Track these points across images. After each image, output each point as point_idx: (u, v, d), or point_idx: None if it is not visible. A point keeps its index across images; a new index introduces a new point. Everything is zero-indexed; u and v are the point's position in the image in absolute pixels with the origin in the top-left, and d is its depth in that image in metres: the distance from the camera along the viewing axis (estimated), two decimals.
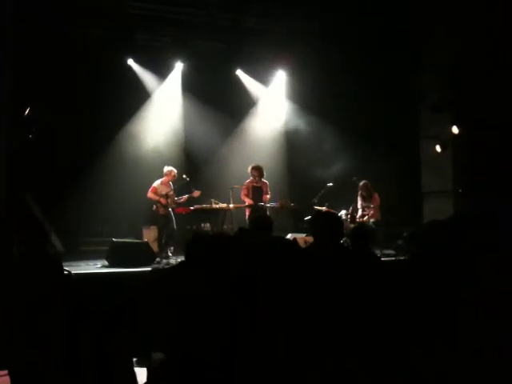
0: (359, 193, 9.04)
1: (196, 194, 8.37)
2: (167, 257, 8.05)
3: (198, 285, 2.98)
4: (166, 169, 8.42)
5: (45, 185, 8.68)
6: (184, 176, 8.53)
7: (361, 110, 10.34)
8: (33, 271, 3.42)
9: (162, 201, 8.21)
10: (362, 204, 8.98)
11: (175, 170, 8.45)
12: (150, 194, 8.28)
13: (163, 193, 8.25)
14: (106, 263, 7.37)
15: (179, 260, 7.68)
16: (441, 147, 9.57)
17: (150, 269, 6.96)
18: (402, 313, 2.56)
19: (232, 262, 3.00)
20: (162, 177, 8.45)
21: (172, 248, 8.33)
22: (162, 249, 8.21)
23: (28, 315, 3.23)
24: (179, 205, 8.52)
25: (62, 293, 3.37)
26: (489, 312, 2.40)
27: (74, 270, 5.97)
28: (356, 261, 3.51)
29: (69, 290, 3.44)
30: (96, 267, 7.25)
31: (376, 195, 8.97)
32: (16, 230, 5.61)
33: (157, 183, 8.33)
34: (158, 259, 7.78)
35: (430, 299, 2.54)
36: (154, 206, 8.29)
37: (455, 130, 9.30)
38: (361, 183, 9.00)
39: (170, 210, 8.37)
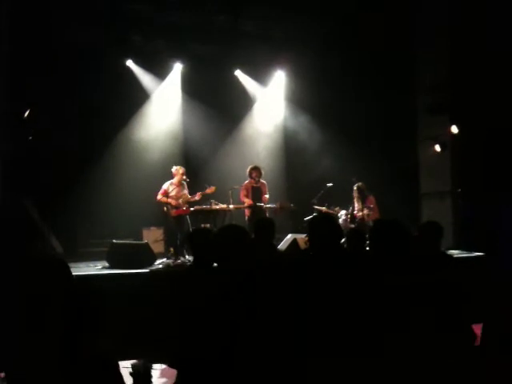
0: (353, 195, 9.05)
1: (210, 190, 8.10)
2: (178, 259, 7.89)
3: (200, 287, 3.00)
4: (174, 168, 8.27)
5: (44, 186, 8.65)
6: (184, 177, 8.52)
7: (359, 110, 10.35)
8: (32, 274, 3.43)
9: (172, 202, 8.06)
10: (357, 207, 8.99)
11: (183, 168, 8.27)
12: (159, 197, 8.10)
13: (173, 193, 8.09)
14: (106, 264, 7.36)
15: (178, 261, 7.71)
16: (440, 147, 9.56)
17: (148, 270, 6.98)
18: (401, 314, 2.58)
19: (233, 264, 3.02)
20: (164, 177, 8.37)
21: (172, 249, 8.30)
22: (176, 250, 8.08)
23: (28, 317, 3.25)
24: (192, 204, 8.30)
25: (62, 294, 3.38)
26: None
27: (74, 272, 5.95)
28: (353, 262, 3.52)
29: (69, 292, 3.45)
30: (96, 269, 7.25)
31: (371, 197, 8.98)
32: (15, 234, 5.62)
33: (166, 185, 8.18)
34: (159, 261, 7.74)
35: (430, 300, 2.56)
36: (165, 208, 8.09)
37: (454, 129, 9.29)
38: (354, 187, 9.00)
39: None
